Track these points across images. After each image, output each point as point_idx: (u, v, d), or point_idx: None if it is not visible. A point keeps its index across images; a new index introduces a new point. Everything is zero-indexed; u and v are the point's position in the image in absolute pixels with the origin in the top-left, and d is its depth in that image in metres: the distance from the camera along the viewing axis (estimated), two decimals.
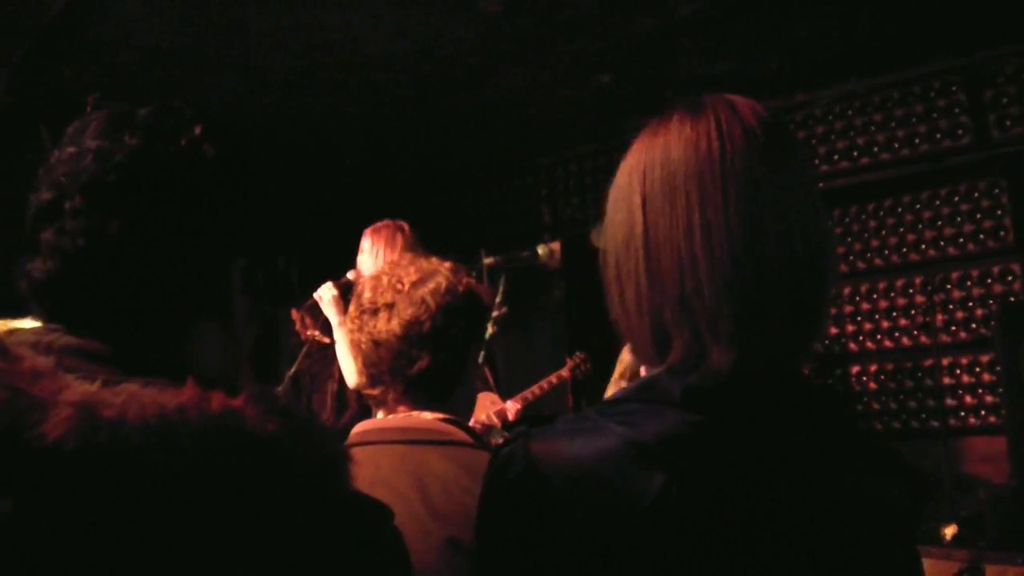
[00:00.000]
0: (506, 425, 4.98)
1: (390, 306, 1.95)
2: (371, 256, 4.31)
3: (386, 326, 1.93)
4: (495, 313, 3.92)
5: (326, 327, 4.37)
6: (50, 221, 1.08)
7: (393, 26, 4.57)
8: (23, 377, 0.96)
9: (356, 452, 1.88)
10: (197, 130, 1.16)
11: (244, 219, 1.22)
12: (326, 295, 4.23)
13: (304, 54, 4.86)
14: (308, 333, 4.36)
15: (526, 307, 5.22)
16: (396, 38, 4.71)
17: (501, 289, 3.97)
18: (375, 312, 1.96)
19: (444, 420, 1.92)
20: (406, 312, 1.93)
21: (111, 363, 1.02)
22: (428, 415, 1.93)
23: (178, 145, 1.13)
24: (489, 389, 4.99)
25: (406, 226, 4.38)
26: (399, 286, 1.97)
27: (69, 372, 0.98)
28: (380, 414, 2.01)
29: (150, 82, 5.14)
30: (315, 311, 4.35)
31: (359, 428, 1.97)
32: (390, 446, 1.87)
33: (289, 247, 6.56)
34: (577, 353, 4.95)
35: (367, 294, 2.00)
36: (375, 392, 1.97)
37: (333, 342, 4.39)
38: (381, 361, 1.94)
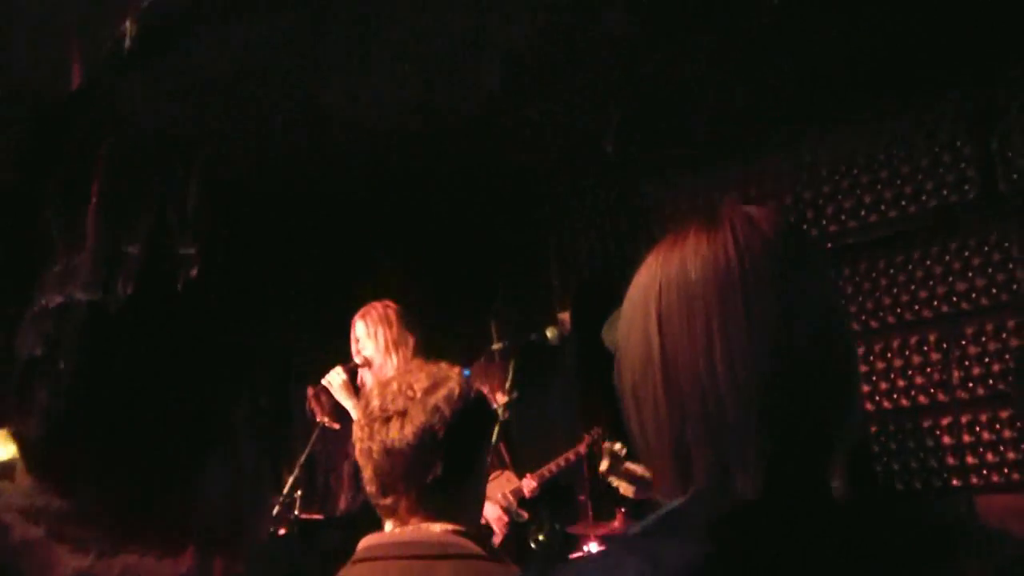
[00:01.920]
0: (523, 502, 4.94)
1: (402, 414, 1.93)
2: (371, 339, 4.34)
3: (399, 434, 1.91)
4: (506, 399, 3.90)
5: (336, 410, 4.37)
6: (41, 378, 1.06)
7: (391, 83, 4.59)
8: (12, 551, 0.93)
9: (364, 568, 1.87)
10: (192, 273, 1.15)
11: (244, 360, 1.20)
12: (336, 380, 4.24)
13: (304, 118, 4.87)
14: (320, 418, 4.36)
15: (541, 380, 5.19)
16: (395, 96, 4.72)
17: (511, 375, 3.95)
18: (387, 420, 1.93)
19: (454, 532, 1.89)
20: (419, 420, 1.91)
21: (107, 528, 0.99)
22: (437, 527, 1.90)
23: (174, 293, 1.12)
24: (505, 467, 4.96)
25: (392, 304, 4.41)
26: (410, 392, 1.95)
27: (61, 541, 0.95)
28: (389, 524, 1.98)
29: (156, 160, 5.16)
30: (326, 395, 4.36)
31: (367, 542, 1.94)
32: (400, 561, 1.84)
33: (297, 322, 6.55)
34: (594, 428, 4.91)
35: (375, 401, 1.98)
36: (387, 501, 1.95)
37: (343, 428, 4.39)
38: (394, 470, 1.92)
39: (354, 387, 4.30)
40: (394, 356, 4.34)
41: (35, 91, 4.10)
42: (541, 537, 5.27)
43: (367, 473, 1.96)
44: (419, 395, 1.94)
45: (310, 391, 4.48)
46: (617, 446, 4.27)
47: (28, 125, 4.32)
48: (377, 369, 4.36)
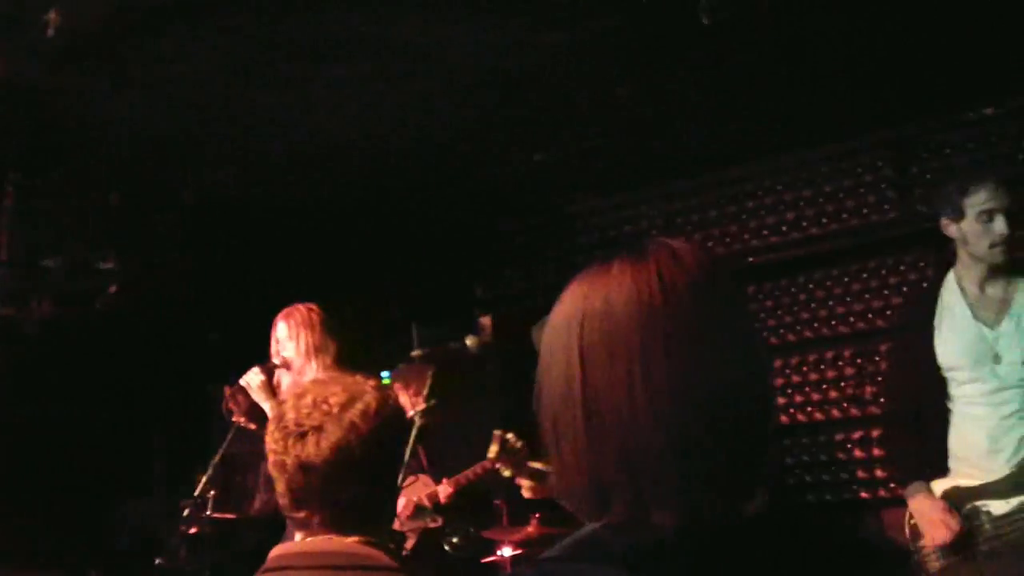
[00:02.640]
0: (437, 507, 4.93)
1: (318, 429, 1.89)
2: (292, 340, 4.29)
3: (315, 450, 1.87)
4: (423, 406, 3.88)
5: (253, 410, 4.32)
6: None
7: (353, 105, 4.56)
8: None
9: None
10: (111, 289, 1.10)
11: (161, 377, 1.16)
12: (254, 381, 4.18)
13: (257, 132, 4.82)
14: (236, 419, 4.30)
15: (462, 385, 5.17)
16: (357, 117, 4.70)
17: (429, 383, 3.93)
18: (302, 435, 1.89)
19: (364, 543, 1.87)
20: (335, 436, 1.88)
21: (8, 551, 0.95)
22: (348, 539, 1.88)
23: (92, 310, 1.07)
24: (422, 471, 4.94)
25: (316, 307, 4.37)
26: (326, 407, 1.92)
27: None
28: (299, 535, 1.95)
29: (146, 168, 5.05)
30: (243, 395, 4.30)
31: (278, 551, 1.91)
32: (310, 571, 1.82)
33: (218, 323, 6.45)
34: (503, 432, 4.88)
35: (291, 414, 1.93)
36: (300, 515, 1.92)
37: (259, 429, 4.33)
38: (308, 486, 1.88)
39: (271, 388, 4.24)
40: (314, 361, 4.29)
41: None
42: (456, 540, 5.25)
43: (280, 487, 1.92)
44: (335, 410, 1.91)
45: (227, 391, 4.41)
46: (510, 436, 4.28)
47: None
48: (296, 371, 4.31)
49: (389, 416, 1.96)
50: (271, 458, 1.95)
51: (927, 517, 3.65)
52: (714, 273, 1.15)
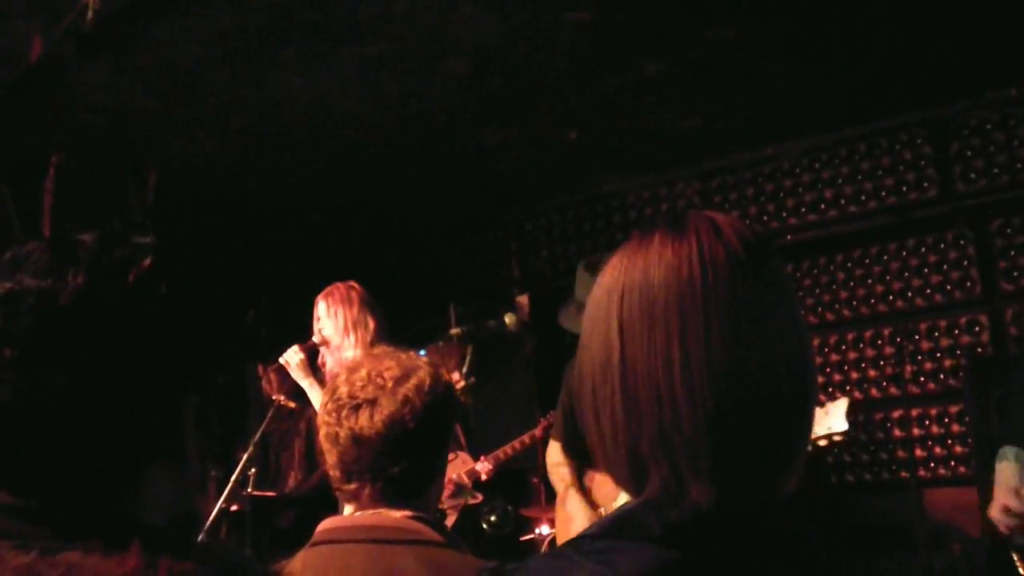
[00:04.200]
0: (477, 485, 4.96)
1: (372, 402, 1.91)
2: (330, 318, 4.31)
3: (368, 423, 1.89)
4: (463, 383, 3.90)
5: (292, 389, 4.35)
6: None
7: (360, 87, 4.55)
8: None
9: (325, 550, 1.87)
10: (147, 262, 1.11)
11: (198, 354, 1.17)
12: (293, 359, 4.21)
13: (270, 113, 4.83)
14: (275, 397, 4.33)
15: (497, 363, 5.21)
16: (363, 99, 4.69)
17: (468, 359, 3.95)
18: (356, 407, 1.91)
19: (413, 518, 1.89)
20: (389, 409, 1.90)
21: (49, 524, 0.97)
22: (397, 513, 1.90)
23: (127, 283, 1.08)
24: (461, 448, 4.96)
25: (357, 285, 4.39)
26: (380, 381, 1.93)
27: (3, 538, 0.93)
28: (349, 508, 1.98)
29: (114, 143, 5.09)
30: (281, 374, 4.33)
31: (327, 525, 1.93)
32: (360, 545, 1.84)
33: (258, 302, 6.52)
34: (550, 412, 4.92)
35: (344, 388, 1.95)
36: (350, 487, 1.94)
37: (299, 407, 4.37)
38: (360, 459, 1.91)
39: (313, 367, 4.27)
40: (352, 336, 4.31)
41: None
42: (494, 519, 5.29)
43: (332, 458, 1.95)
44: (389, 384, 1.93)
45: (264, 369, 4.45)
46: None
47: None
48: (335, 348, 4.33)
49: (442, 392, 1.97)
50: (324, 430, 1.97)
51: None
52: (756, 247, 1.14)
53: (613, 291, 1.15)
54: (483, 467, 4.90)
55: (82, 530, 0.96)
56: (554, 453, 4.24)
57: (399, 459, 1.90)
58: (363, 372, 1.97)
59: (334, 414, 1.94)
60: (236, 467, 4.21)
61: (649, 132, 5.37)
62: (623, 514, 1.12)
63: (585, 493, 4.05)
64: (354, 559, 1.84)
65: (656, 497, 1.09)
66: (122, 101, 4.56)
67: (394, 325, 4.50)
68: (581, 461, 4.06)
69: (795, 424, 1.13)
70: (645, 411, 1.09)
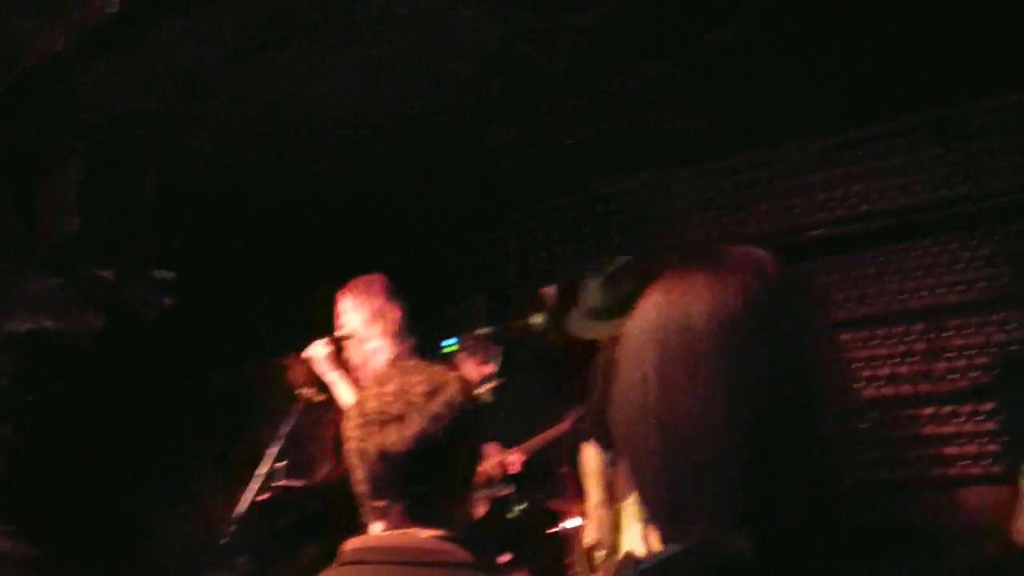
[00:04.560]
0: (506, 477, 4.97)
1: (400, 418, 1.89)
2: (355, 311, 4.31)
3: (397, 439, 1.88)
4: (491, 384, 3.90)
5: (317, 381, 4.37)
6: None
7: (361, 88, 4.52)
8: None
9: (352, 572, 1.87)
10: (166, 301, 1.10)
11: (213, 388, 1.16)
12: (320, 353, 4.21)
13: (271, 113, 4.80)
14: (301, 390, 4.34)
15: (525, 358, 5.19)
16: (364, 99, 4.65)
17: (499, 360, 3.94)
18: (384, 423, 1.90)
19: (442, 538, 1.88)
20: (418, 426, 1.88)
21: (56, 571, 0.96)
22: (425, 533, 1.89)
23: (146, 323, 1.07)
24: (489, 442, 4.98)
25: (380, 276, 4.39)
26: (409, 396, 1.92)
27: None
28: (377, 526, 1.97)
29: (115, 143, 5.07)
30: (305, 367, 4.35)
31: (354, 544, 1.92)
32: (387, 567, 1.83)
33: (259, 302, 6.51)
34: (579, 406, 4.92)
35: (372, 402, 1.94)
36: (378, 504, 1.93)
37: (326, 399, 4.38)
38: (389, 475, 1.89)
39: (336, 360, 4.28)
40: (376, 327, 4.31)
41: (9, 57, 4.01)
42: (521, 510, 5.30)
43: (359, 474, 1.93)
44: (419, 400, 1.91)
45: (291, 362, 4.46)
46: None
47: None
48: (360, 341, 4.34)
49: (472, 410, 1.96)
50: (351, 445, 1.95)
51: None
52: (796, 287, 1.13)
53: (652, 330, 1.13)
54: (513, 459, 4.91)
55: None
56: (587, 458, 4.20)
57: (428, 477, 1.89)
58: (391, 386, 1.95)
59: (362, 429, 1.92)
60: (249, 465, 4.25)
61: (650, 132, 5.32)
62: (663, 562, 1.11)
63: (608, 488, 4.02)
64: None
65: (697, 544, 1.08)
66: (122, 101, 4.53)
67: (418, 313, 4.51)
68: (606, 446, 4.03)
69: (835, 463, 1.11)
70: (684, 456, 1.08)
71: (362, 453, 1.92)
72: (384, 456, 1.89)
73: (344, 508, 2.06)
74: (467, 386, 2.00)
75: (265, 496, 4.46)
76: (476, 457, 2.01)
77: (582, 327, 3.99)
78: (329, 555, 1.95)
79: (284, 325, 5.25)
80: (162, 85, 4.38)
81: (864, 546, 1.12)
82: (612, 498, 3.98)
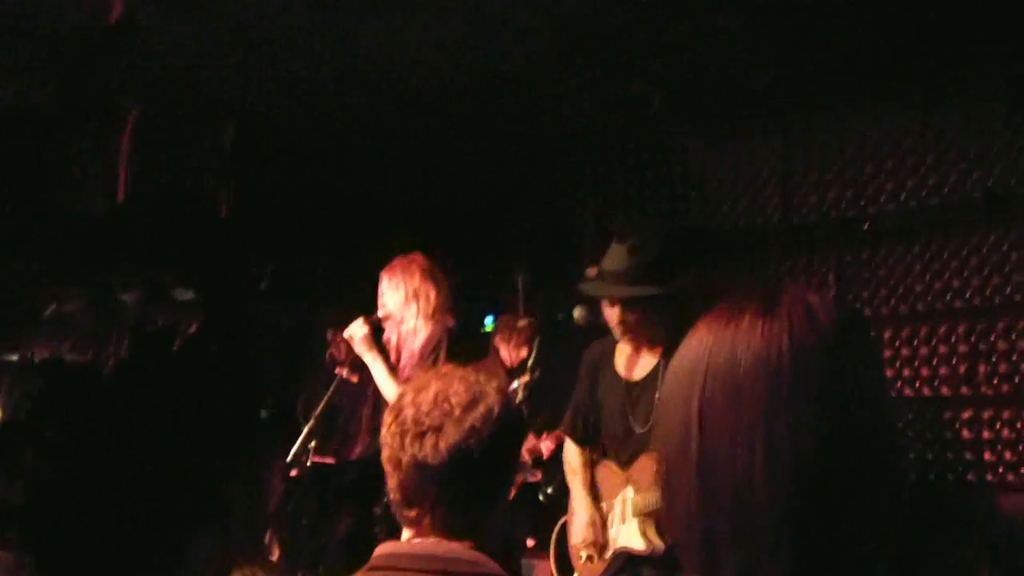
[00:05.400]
0: (537, 461, 4.97)
1: (437, 429, 1.87)
2: (394, 291, 4.33)
3: (433, 451, 1.85)
4: (527, 379, 3.88)
5: (355, 362, 4.38)
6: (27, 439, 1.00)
7: (430, 36, 4.50)
8: None
9: None
10: (192, 328, 1.09)
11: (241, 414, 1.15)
12: (358, 333, 4.22)
13: (335, 61, 4.80)
14: (339, 370, 4.37)
15: (561, 343, 5.17)
16: (432, 46, 4.64)
17: (534, 354, 3.91)
18: (421, 434, 1.88)
19: (475, 548, 1.87)
20: (454, 439, 1.85)
21: None
22: (456, 543, 1.88)
23: (171, 351, 1.06)
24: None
25: (420, 256, 4.39)
26: (447, 407, 1.89)
27: None
28: (408, 533, 1.95)
29: (189, 95, 5.13)
30: (346, 345, 4.37)
31: (385, 550, 1.91)
32: (418, 574, 1.82)
33: (321, 251, 6.54)
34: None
35: (409, 411, 1.91)
36: (410, 513, 1.91)
37: (362, 379, 4.40)
38: (422, 485, 1.87)
39: (378, 343, 4.28)
40: (415, 306, 4.32)
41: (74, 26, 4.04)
42: (550, 490, 5.31)
43: (393, 482, 1.92)
44: (456, 411, 1.88)
45: (333, 338, 4.49)
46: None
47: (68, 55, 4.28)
48: (398, 322, 4.35)
49: (510, 422, 1.93)
50: (386, 452, 1.94)
51: None
52: (849, 332, 1.09)
53: (696, 371, 1.11)
54: (546, 446, 4.92)
55: None
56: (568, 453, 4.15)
57: (462, 488, 1.87)
58: (430, 395, 1.93)
59: (398, 438, 1.90)
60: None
61: (722, 87, 5.24)
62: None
63: (591, 486, 3.96)
64: None
65: None
66: (195, 52, 4.59)
67: (458, 291, 4.51)
68: (587, 445, 3.98)
69: (884, 514, 1.08)
70: (722, 498, 1.05)
71: (396, 462, 1.90)
72: (418, 467, 1.87)
73: (380, 482, 2.05)
74: (507, 398, 1.97)
75: (294, 472, 4.50)
76: (512, 470, 1.99)
77: (595, 287, 3.92)
78: (366, 525, 1.94)
79: (347, 276, 5.25)
80: (225, 34, 4.42)
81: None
82: (596, 496, 3.92)
